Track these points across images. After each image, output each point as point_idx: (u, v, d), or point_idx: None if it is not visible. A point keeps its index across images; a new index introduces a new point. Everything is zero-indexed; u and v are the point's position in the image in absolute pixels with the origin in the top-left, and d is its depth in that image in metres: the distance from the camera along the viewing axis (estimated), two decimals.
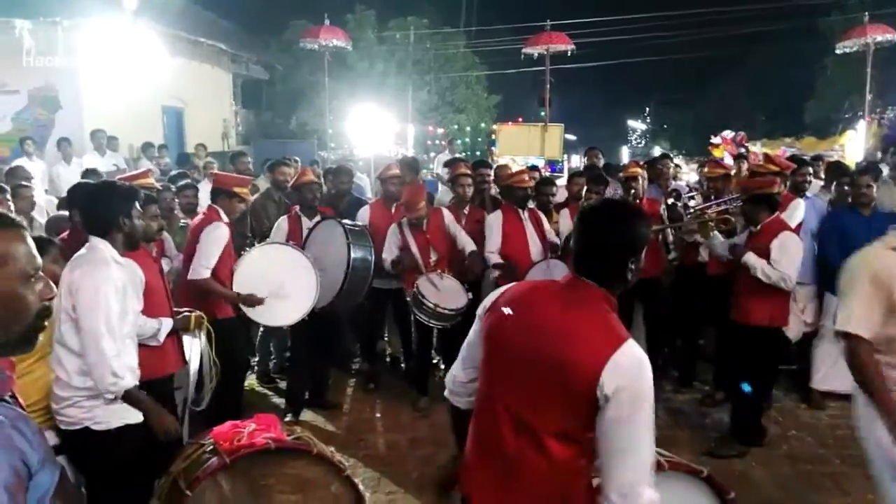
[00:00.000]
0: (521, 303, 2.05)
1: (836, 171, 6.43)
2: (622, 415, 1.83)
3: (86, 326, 2.74)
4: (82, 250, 2.94)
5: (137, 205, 3.07)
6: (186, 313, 3.62)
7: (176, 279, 4.90)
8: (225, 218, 4.66)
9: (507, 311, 2.05)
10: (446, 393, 2.34)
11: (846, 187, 5.87)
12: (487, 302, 2.15)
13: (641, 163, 7.03)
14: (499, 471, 2.03)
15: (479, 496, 2.11)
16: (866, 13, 13.02)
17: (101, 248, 2.91)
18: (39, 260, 1.39)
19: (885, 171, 8.29)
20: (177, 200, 5.91)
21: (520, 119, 20.55)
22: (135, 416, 2.90)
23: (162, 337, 3.38)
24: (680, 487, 2.57)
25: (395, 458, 4.72)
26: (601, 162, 8.25)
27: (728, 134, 16.11)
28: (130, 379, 2.85)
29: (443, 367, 6.13)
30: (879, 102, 15.40)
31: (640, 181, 6.19)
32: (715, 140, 16.36)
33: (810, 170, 5.84)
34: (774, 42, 26.48)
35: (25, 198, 5.69)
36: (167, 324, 3.43)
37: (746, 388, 4.74)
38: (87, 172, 7.03)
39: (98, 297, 2.75)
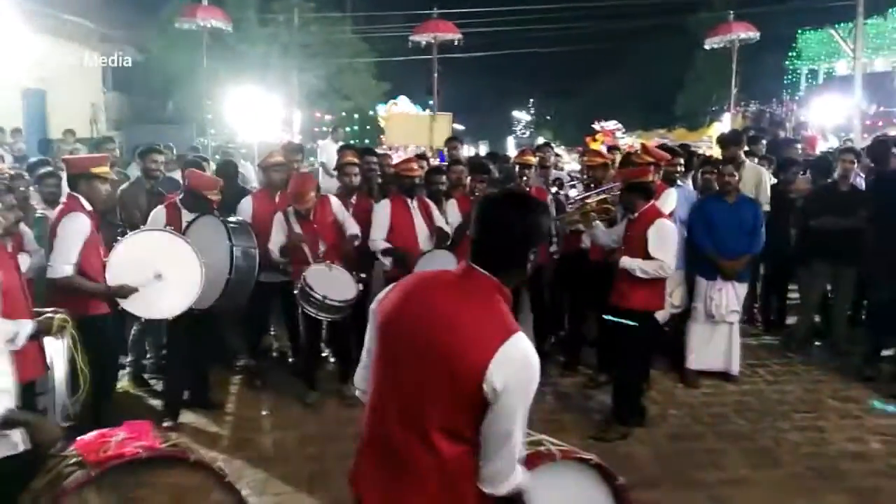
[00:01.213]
0: (413, 294, 2.01)
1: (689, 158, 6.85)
2: (508, 408, 1.84)
3: None
4: None
5: None
6: (49, 314, 3.28)
7: (38, 276, 4.48)
8: (87, 206, 4.28)
9: (398, 302, 2.01)
10: (357, 393, 2.25)
11: (707, 175, 6.25)
12: (381, 295, 2.11)
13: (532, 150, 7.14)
14: (388, 469, 1.99)
15: (369, 495, 2.06)
16: (731, 12, 13.87)
17: None
18: None
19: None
20: (34, 189, 5.40)
21: (401, 98, 20.41)
22: (7, 448, 2.56)
23: (20, 342, 3.03)
24: (571, 476, 2.61)
25: (282, 458, 4.55)
26: (461, 153, 8.33)
27: (610, 125, 16.79)
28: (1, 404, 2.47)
29: (332, 360, 5.99)
30: (743, 96, 16.54)
31: (532, 169, 6.33)
32: (597, 126, 17.00)
33: (681, 160, 6.16)
34: (650, 37, 27.93)
35: None
36: (26, 326, 3.08)
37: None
38: None
39: None
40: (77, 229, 4.15)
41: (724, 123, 13.92)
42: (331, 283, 5.11)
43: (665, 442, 4.84)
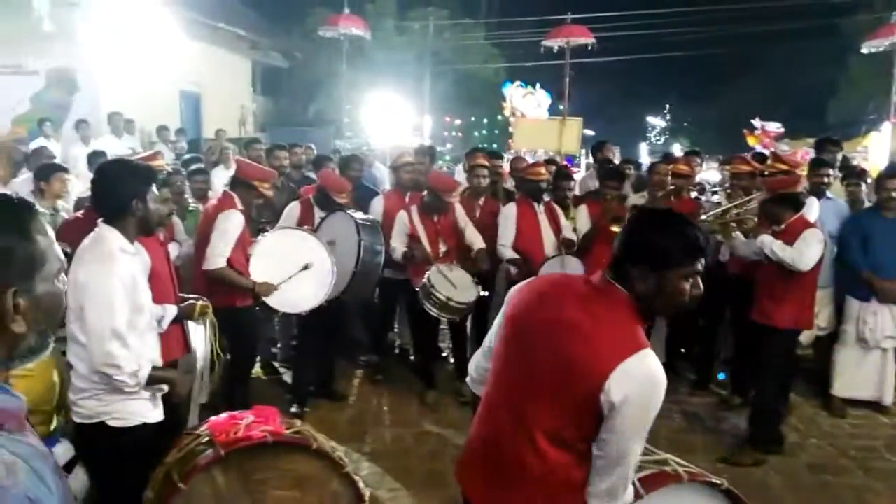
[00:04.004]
0: (546, 295, 2.01)
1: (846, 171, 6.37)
2: (625, 427, 1.78)
3: (91, 329, 2.57)
4: (88, 241, 2.74)
5: (154, 187, 2.86)
6: (192, 301, 3.51)
7: (185, 264, 4.82)
8: (240, 205, 4.54)
9: (529, 301, 2.01)
10: (468, 380, 2.31)
11: (853, 189, 5.79)
12: (513, 292, 2.11)
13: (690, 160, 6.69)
14: (493, 466, 2.00)
15: (472, 490, 2.09)
16: (894, 12, 12.70)
17: (108, 237, 2.70)
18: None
19: None
20: (188, 184, 5.82)
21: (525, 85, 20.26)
22: (153, 415, 2.78)
23: (165, 324, 3.25)
24: (698, 500, 2.44)
25: (399, 454, 4.61)
26: (615, 156, 8.06)
27: (771, 126, 15.71)
28: (147, 368, 2.71)
29: (452, 360, 6.01)
30: None
31: (687, 179, 5.99)
32: (756, 123, 15.99)
33: (830, 171, 5.68)
34: (796, 40, 26.22)
35: (62, 181, 5.52)
36: (171, 311, 3.30)
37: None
38: (94, 154, 6.94)
39: (103, 300, 2.57)
40: (234, 226, 4.41)
41: (884, 133, 12.70)
42: (453, 283, 5.13)
43: (804, 473, 4.47)
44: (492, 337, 2.17)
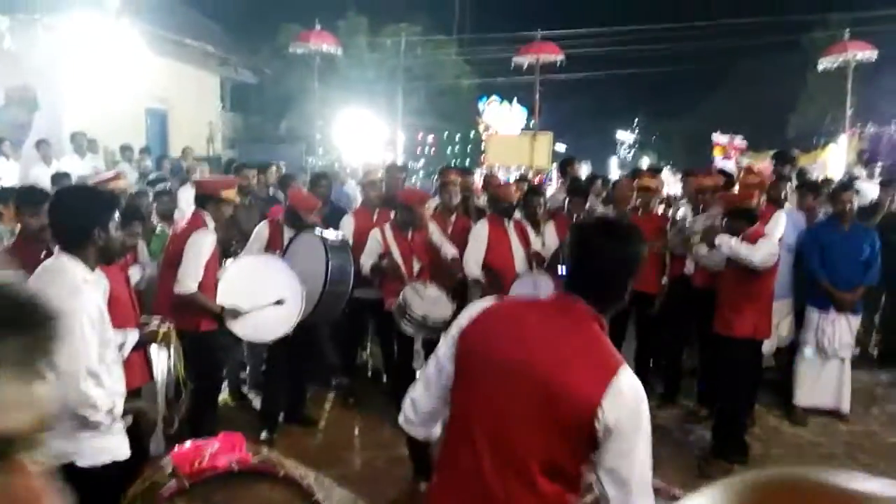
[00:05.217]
0: (506, 324, 1.88)
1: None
2: (626, 446, 1.73)
3: (63, 370, 2.46)
4: (45, 273, 2.61)
5: (117, 215, 2.75)
6: (154, 326, 3.44)
7: (148, 287, 4.75)
8: (211, 224, 4.48)
9: (487, 331, 1.89)
10: (401, 421, 2.11)
11: (805, 199, 6.03)
12: (464, 320, 1.94)
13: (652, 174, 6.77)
14: None
15: None
16: (847, 30, 13.12)
17: (69, 269, 2.58)
18: None
19: (862, 177, 8.57)
20: (154, 206, 5.76)
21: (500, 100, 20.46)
22: (122, 452, 2.71)
23: (126, 351, 3.19)
24: None
25: (372, 478, 4.57)
26: (583, 172, 8.18)
27: (738, 141, 16.08)
28: (120, 403, 2.66)
29: None
30: (859, 118, 15.52)
31: (654, 193, 6.08)
32: (721, 139, 16.33)
33: (787, 184, 5.85)
34: (759, 56, 26.83)
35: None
36: (132, 336, 3.23)
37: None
38: (59, 176, 6.80)
39: (74, 339, 2.45)
40: (207, 248, 4.35)
41: (840, 146, 13.07)
42: (427, 301, 5.13)
43: None
44: (437, 371, 1.98)
